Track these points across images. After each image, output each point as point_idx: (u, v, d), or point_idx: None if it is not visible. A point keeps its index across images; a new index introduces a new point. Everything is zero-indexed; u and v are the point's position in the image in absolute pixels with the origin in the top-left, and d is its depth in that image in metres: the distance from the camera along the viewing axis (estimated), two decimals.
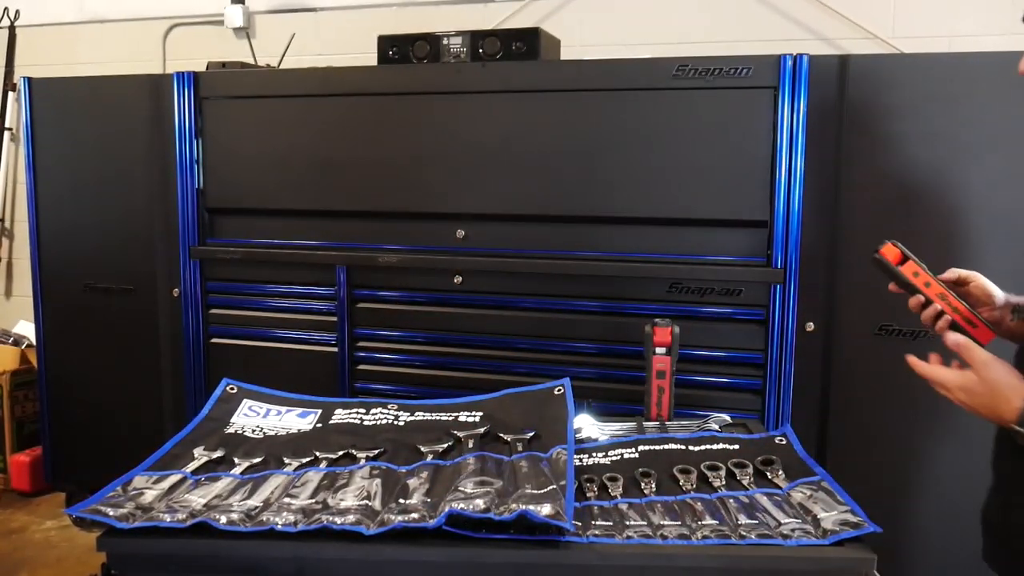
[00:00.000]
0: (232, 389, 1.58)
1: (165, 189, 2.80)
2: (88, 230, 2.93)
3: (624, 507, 1.15)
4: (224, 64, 2.87)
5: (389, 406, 1.54)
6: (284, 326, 2.75)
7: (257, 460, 1.32)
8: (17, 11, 3.90)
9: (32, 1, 3.88)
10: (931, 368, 1.22)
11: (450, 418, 1.47)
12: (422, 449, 1.33)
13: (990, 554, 1.29)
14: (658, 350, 1.55)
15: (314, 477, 1.23)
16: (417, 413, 1.51)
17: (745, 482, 1.21)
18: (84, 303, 2.95)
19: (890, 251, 1.37)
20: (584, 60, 2.52)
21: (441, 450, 1.32)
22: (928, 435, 2.27)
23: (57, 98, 2.93)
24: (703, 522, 1.09)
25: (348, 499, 1.14)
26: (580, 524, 1.09)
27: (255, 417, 1.50)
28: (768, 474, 1.23)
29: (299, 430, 1.46)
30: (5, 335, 3.64)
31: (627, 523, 1.10)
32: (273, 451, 1.35)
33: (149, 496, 1.16)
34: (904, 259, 1.36)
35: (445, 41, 2.55)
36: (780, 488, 1.19)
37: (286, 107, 2.67)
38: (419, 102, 2.53)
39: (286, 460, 1.31)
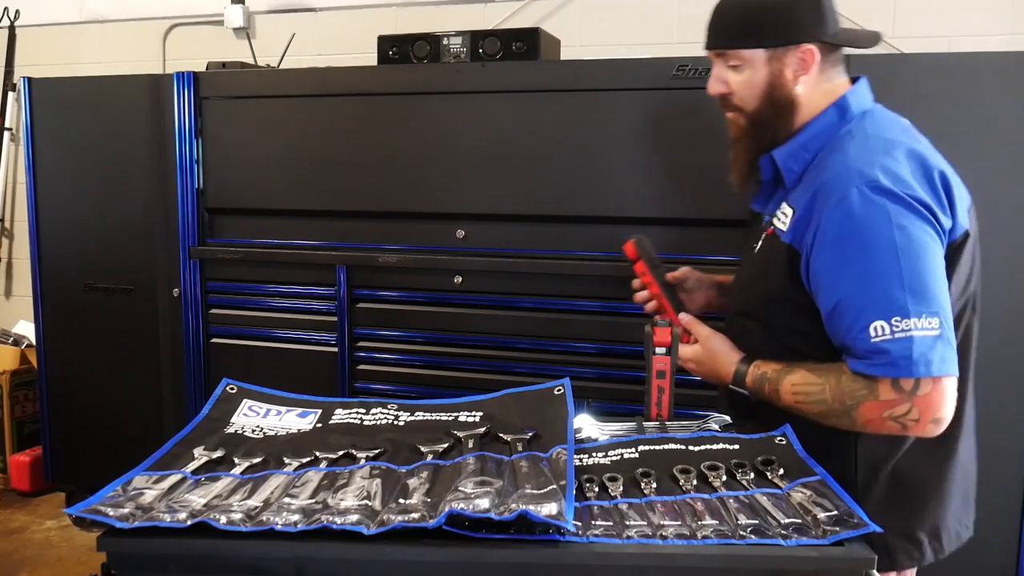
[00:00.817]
0: (232, 389, 1.58)
1: (165, 189, 2.80)
2: (88, 230, 2.93)
3: (624, 507, 1.15)
4: (224, 64, 2.87)
5: (389, 406, 1.54)
6: (284, 326, 2.75)
7: (257, 460, 1.32)
8: (17, 11, 3.90)
9: (32, 1, 3.88)
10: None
11: (450, 418, 1.47)
12: (422, 449, 1.33)
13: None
14: (658, 350, 1.55)
15: (314, 477, 1.23)
16: (417, 413, 1.51)
17: (745, 482, 1.21)
18: (84, 303, 2.95)
19: (629, 249, 1.67)
20: (584, 60, 2.52)
21: (441, 450, 1.32)
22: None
23: (57, 98, 2.93)
24: (703, 522, 1.09)
25: (348, 499, 1.14)
26: (580, 524, 1.09)
27: (255, 417, 1.50)
28: (768, 474, 1.23)
29: (299, 430, 1.46)
30: (5, 335, 3.64)
31: (627, 523, 1.10)
32: (273, 451, 1.35)
33: (149, 496, 1.16)
34: (638, 258, 1.66)
35: (445, 41, 2.55)
36: (780, 488, 1.19)
37: (286, 107, 2.67)
38: (419, 102, 2.53)
39: (286, 460, 1.31)
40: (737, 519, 1.09)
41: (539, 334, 2.50)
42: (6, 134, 3.95)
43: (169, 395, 2.90)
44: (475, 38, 2.53)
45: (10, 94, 3.92)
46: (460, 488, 1.11)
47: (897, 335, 1.21)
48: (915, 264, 1.22)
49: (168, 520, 1.08)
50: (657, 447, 1.34)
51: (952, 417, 1.26)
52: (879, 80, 2.25)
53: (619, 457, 1.31)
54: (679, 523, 1.09)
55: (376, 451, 1.33)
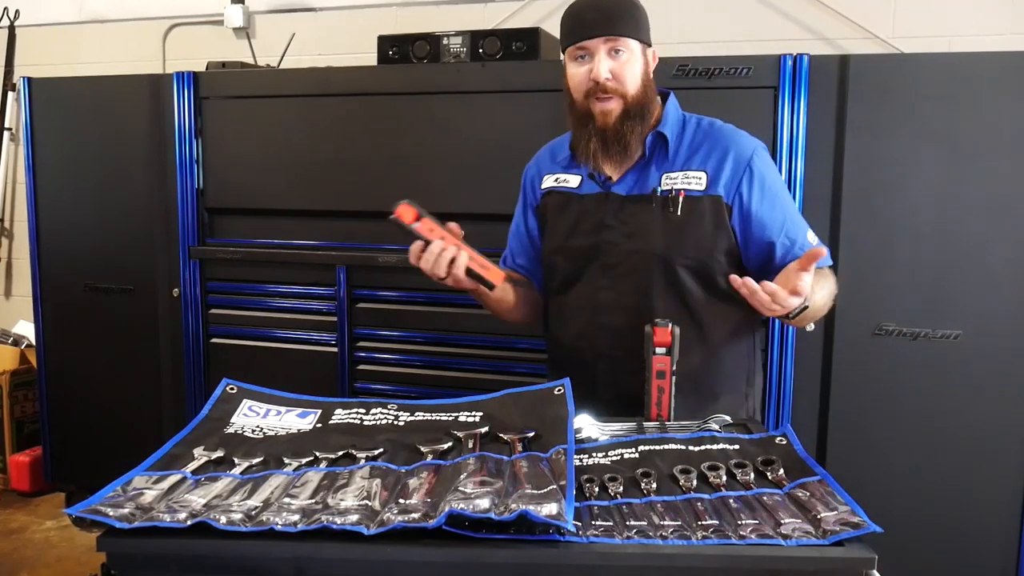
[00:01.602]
0: (232, 389, 1.57)
1: (165, 189, 2.80)
2: (88, 230, 2.93)
3: (624, 507, 1.15)
4: (224, 64, 2.87)
5: (389, 406, 1.54)
6: (284, 326, 2.75)
7: (257, 460, 1.31)
8: (17, 11, 3.91)
9: (32, 1, 3.88)
10: (772, 286, 1.46)
11: (450, 418, 1.47)
12: (422, 449, 1.33)
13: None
14: (658, 350, 1.55)
15: (314, 477, 1.23)
16: (417, 413, 1.51)
17: (745, 482, 1.21)
18: (84, 303, 2.95)
19: (406, 211, 1.50)
20: None
21: (441, 450, 1.32)
22: (928, 434, 2.27)
23: (57, 98, 2.93)
24: (703, 522, 1.09)
25: (348, 499, 1.14)
26: (580, 524, 1.09)
27: (255, 417, 1.50)
28: (768, 474, 1.23)
29: (299, 430, 1.46)
30: (5, 335, 3.64)
31: (627, 523, 1.10)
32: (273, 451, 1.35)
33: (149, 496, 1.16)
34: (419, 217, 1.51)
35: (445, 41, 2.55)
36: (780, 488, 1.19)
37: (286, 107, 2.67)
38: (419, 102, 2.53)
39: (286, 460, 1.31)
40: (737, 519, 1.09)
41: (539, 334, 2.49)
42: (6, 134, 3.95)
43: (169, 395, 2.90)
44: (475, 38, 2.53)
45: (10, 94, 3.92)
46: (460, 488, 1.11)
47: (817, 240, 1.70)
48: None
49: (168, 520, 1.08)
50: (657, 447, 1.34)
51: None
52: (879, 80, 2.27)
53: (619, 457, 1.31)
54: (679, 523, 1.09)
55: (376, 451, 1.33)
